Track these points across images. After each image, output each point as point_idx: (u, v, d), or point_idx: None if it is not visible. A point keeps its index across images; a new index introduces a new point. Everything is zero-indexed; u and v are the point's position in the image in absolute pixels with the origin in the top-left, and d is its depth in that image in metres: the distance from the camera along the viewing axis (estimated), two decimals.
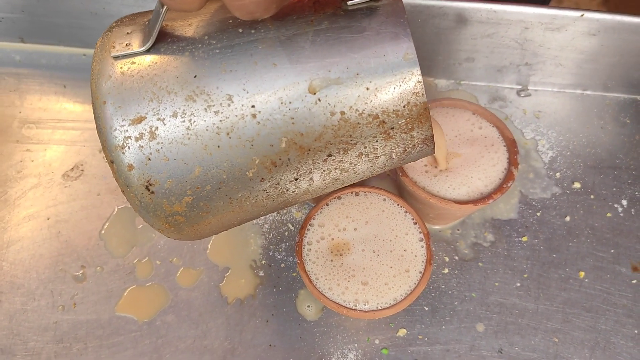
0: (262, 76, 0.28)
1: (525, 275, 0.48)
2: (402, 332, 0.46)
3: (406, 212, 0.42)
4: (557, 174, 0.53)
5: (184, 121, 0.28)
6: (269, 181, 0.31)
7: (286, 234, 0.50)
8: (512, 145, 0.45)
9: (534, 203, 0.52)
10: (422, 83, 0.28)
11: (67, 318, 0.47)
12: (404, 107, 0.29)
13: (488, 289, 0.48)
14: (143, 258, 0.49)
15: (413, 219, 0.42)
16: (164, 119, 0.28)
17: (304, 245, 0.41)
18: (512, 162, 0.44)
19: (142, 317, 0.47)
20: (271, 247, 0.50)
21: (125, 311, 0.47)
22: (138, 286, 0.48)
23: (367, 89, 0.28)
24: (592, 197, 0.52)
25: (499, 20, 0.51)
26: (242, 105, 0.28)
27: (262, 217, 0.51)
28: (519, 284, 0.48)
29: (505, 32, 0.52)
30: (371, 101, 0.28)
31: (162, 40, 0.29)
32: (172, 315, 0.47)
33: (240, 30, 0.29)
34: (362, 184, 0.45)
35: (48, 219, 0.51)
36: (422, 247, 0.41)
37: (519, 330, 0.46)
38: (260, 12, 0.25)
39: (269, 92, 0.28)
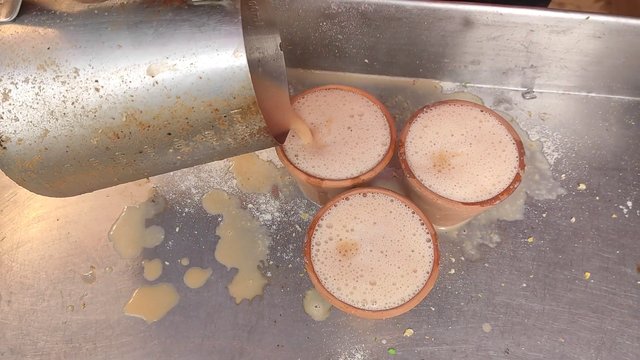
0: (107, 55, 0.31)
1: (531, 276, 0.48)
2: (409, 332, 0.46)
3: (414, 212, 0.43)
4: (563, 176, 0.53)
5: (34, 87, 0.31)
6: (115, 151, 0.33)
7: (293, 235, 0.51)
8: (518, 147, 0.45)
9: (539, 204, 0.52)
10: (249, 79, 0.31)
11: (77, 318, 0.47)
12: (234, 98, 0.31)
13: (494, 290, 0.48)
14: (152, 259, 0.50)
15: (420, 220, 0.42)
16: (16, 83, 0.31)
17: (313, 246, 0.42)
18: (519, 163, 0.44)
19: (151, 318, 0.47)
20: (279, 248, 0.50)
21: (134, 311, 0.47)
22: (147, 286, 0.48)
23: (200, 78, 0.31)
24: (597, 198, 0.52)
25: (504, 23, 0.51)
26: (87, 79, 0.31)
27: (270, 219, 0.51)
28: (525, 285, 0.48)
29: (511, 34, 0.53)
30: (203, 89, 0.31)
31: (28, 12, 0.32)
32: (181, 315, 0.47)
33: (96, 12, 0.32)
34: (369, 185, 0.46)
35: (57, 219, 0.52)
36: (430, 247, 0.41)
37: (525, 330, 0.46)
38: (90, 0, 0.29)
39: (112, 70, 0.31)
